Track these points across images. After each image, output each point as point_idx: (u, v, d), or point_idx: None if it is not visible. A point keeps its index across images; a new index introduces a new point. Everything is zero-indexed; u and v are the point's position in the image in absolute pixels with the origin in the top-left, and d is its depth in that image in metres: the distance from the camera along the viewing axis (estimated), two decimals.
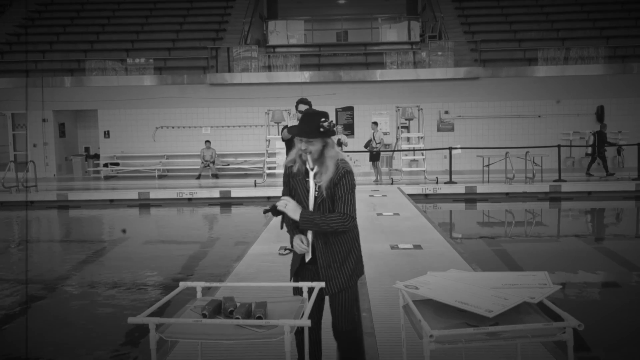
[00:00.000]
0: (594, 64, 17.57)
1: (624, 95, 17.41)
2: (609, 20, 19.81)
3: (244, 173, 17.53)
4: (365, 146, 14.94)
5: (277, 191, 12.97)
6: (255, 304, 2.55)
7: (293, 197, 2.91)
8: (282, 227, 3.25)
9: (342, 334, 2.98)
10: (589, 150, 15.84)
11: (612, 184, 13.60)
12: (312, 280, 2.88)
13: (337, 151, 2.90)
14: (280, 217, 3.28)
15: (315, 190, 2.86)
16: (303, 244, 2.86)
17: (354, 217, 2.86)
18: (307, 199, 2.88)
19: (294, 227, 2.93)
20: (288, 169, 2.98)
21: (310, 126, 2.81)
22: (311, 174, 2.89)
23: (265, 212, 2.99)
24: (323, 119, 2.81)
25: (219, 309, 2.53)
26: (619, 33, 19.05)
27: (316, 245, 2.89)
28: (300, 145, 2.86)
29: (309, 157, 2.86)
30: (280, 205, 2.83)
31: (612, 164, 17.45)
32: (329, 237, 2.86)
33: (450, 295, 2.45)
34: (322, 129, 2.79)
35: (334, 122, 2.95)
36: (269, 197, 13.25)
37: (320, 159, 2.86)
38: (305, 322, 2.35)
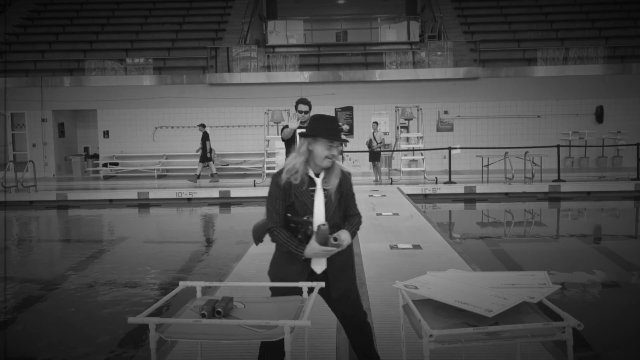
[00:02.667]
0: (593, 64, 17.59)
1: (623, 96, 17.43)
2: (608, 21, 19.83)
3: (243, 173, 17.53)
4: (369, 146, 14.92)
5: None
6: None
7: (293, 211, 2.79)
8: (257, 244, 3.11)
9: (363, 322, 2.95)
10: None
11: (611, 184, 13.61)
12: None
13: None
14: (258, 234, 3.08)
15: (325, 197, 2.78)
16: (339, 241, 2.71)
17: None
18: (313, 208, 2.77)
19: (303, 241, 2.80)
20: (285, 181, 2.77)
21: (338, 129, 2.74)
22: (318, 180, 2.79)
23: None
24: (340, 123, 2.76)
25: None
26: (618, 33, 19.07)
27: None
28: (328, 152, 2.73)
29: (326, 162, 2.75)
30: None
31: (612, 164, 17.49)
32: None
33: (450, 295, 2.45)
34: (343, 132, 2.75)
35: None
36: None
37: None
38: (306, 323, 2.35)
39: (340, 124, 2.66)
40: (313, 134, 2.76)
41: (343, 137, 2.84)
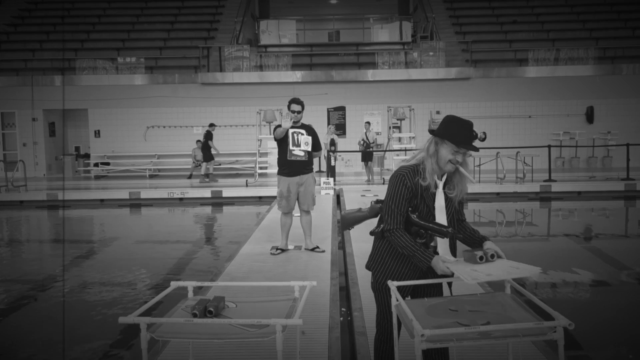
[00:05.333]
0: (583, 65, 17.71)
1: (613, 96, 17.56)
2: (599, 22, 19.97)
3: (236, 173, 17.49)
4: (366, 147, 14.91)
5: (269, 191, 12.98)
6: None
7: (418, 214, 2.63)
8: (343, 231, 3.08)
9: None
10: None
11: (602, 184, 13.70)
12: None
13: None
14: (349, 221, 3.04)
15: (445, 201, 2.64)
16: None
17: None
18: (434, 212, 2.63)
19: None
20: (414, 184, 2.59)
21: (471, 136, 2.56)
22: (440, 184, 2.62)
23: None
24: (476, 130, 2.57)
25: None
26: (608, 34, 19.21)
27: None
28: (453, 156, 2.55)
29: (448, 166, 2.58)
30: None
31: (602, 164, 17.61)
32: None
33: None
34: (479, 139, 2.61)
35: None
36: (260, 197, 13.23)
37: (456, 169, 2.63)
38: (297, 322, 2.35)
39: (476, 131, 2.48)
40: (442, 135, 2.59)
41: (475, 144, 2.60)
